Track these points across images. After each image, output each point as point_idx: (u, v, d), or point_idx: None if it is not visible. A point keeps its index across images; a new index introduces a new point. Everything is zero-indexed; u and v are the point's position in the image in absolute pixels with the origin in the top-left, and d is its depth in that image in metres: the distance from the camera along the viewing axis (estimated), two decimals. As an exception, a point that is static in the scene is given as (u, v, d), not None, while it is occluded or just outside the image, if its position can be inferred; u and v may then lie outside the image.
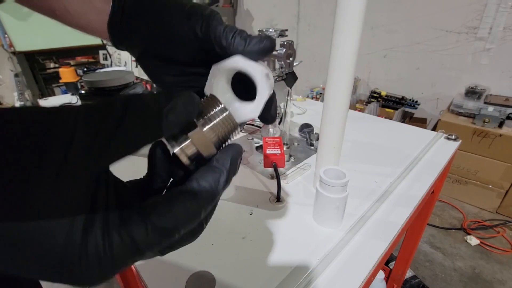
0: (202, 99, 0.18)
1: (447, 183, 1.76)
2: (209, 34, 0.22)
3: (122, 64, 1.02)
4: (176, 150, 0.16)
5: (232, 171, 0.18)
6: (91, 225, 0.13)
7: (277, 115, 0.60)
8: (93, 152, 0.13)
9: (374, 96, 2.14)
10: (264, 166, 0.47)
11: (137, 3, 0.24)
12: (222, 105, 0.18)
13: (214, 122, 0.17)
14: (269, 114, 0.24)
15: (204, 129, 0.17)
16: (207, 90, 0.23)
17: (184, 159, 0.17)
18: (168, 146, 0.17)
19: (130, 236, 0.14)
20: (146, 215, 0.15)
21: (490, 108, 1.58)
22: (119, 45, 0.26)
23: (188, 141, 0.16)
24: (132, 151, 0.14)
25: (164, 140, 0.18)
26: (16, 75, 2.58)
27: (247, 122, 0.41)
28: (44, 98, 1.10)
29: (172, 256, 0.36)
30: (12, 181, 0.11)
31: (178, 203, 0.16)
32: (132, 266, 0.36)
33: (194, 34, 0.23)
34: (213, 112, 0.17)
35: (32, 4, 0.27)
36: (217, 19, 0.23)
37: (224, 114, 0.18)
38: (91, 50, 2.40)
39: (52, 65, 2.41)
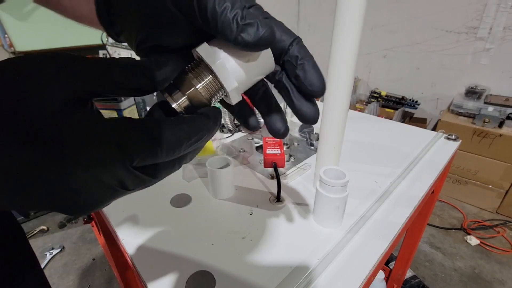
0: (194, 61, 0.21)
1: (447, 183, 1.76)
2: (192, 8, 0.18)
3: (122, 64, 1.02)
4: (174, 105, 0.20)
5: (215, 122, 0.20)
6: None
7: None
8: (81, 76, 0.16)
9: (374, 96, 2.14)
10: (264, 166, 0.47)
11: None
12: (210, 67, 0.20)
13: (205, 80, 0.20)
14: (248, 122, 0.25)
15: (198, 86, 0.20)
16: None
17: (179, 110, 0.20)
18: (168, 99, 0.20)
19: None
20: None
21: (490, 108, 1.58)
22: (116, 37, 0.24)
23: (184, 97, 0.20)
24: (121, 88, 0.17)
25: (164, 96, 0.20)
26: (16, 75, 2.57)
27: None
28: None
29: (172, 256, 0.37)
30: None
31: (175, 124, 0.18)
32: (132, 265, 0.36)
33: (180, 12, 0.19)
34: (203, 73, 0.20)
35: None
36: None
37: (210, 77, 0.20)
38: (91, 50, 2.39)
39: (52, 65, 2.41)
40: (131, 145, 0.16)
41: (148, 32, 0.20)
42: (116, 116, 0.59)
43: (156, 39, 0.21)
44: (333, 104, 0.42)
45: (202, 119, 0.19)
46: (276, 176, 0.46)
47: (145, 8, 0.19)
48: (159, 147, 0.17)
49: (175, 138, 0.17)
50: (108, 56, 1.09)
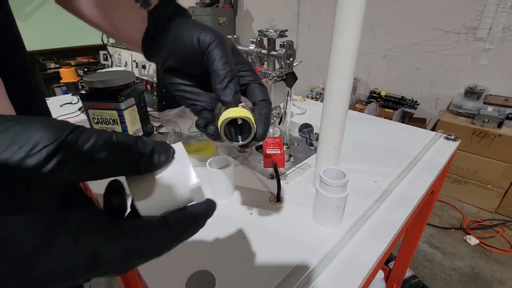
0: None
1: (446, 183, 1.76)
2: (210, 64, 0.27)
3: (123, 64, 1.02)
4: None
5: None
6: (58, 229, 0.13)
7: (277, 115, 0.60)
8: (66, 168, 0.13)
9: (374, 96, 2.15)
10: (264, 166, 0.47)
11: (166, 24, 0.30)
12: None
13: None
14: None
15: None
16: None
17: None
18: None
19: (95, 250, 0.14)
20: (118, 235, 0.15)
21: (490, 108, 1.58)
22: (149, 58, 0.32)
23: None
24: (105, 177, 0.15)
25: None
26: (16, 75, 2.57)
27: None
28: (45, 98, 1.10)
29: (172, 256, 0.37)
30: None
31: (151, 231, 0.17)
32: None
33: (202, 58, 0.28)
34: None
35: (84, 18, 0.34)
36: (217, 51, 0.27)
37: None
38: (92, 51, 2.39)
39: (52, 65, 2.40)
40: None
41: (175, 59, 0.30)
42: (117, 116, 0.59)
43: (179, 65, 0.30)
44: (333, 104, 0.43)
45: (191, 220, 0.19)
46: (276, 176, 0.46)
47: (178, 43, 0.29)
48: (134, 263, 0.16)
49: (156, 249, 0.17)
50: (108, 56, 1.10)
